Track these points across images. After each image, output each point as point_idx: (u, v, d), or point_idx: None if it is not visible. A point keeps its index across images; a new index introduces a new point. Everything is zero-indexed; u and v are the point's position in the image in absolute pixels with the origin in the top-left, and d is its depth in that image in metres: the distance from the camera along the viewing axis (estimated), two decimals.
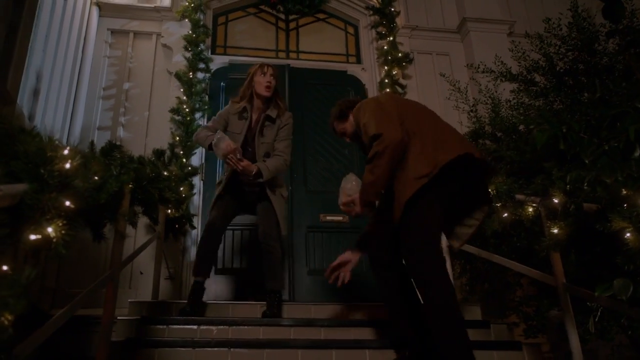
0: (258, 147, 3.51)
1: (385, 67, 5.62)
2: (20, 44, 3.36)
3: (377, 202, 2.65)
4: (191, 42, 5.28)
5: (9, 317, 0.87)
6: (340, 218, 5.14)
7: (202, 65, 5.29)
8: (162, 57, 5.46)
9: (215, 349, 2.71)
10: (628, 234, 1.93)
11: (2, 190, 1.04)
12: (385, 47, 5.71)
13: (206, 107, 5.09)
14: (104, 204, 1.50)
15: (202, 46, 5.36)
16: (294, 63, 5.82)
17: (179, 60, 5.33)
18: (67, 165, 1.26)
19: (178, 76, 5.09)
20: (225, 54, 5.79)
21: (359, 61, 6.02)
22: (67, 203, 1.20)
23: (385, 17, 5.84)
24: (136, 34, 5.54)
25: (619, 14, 2.29)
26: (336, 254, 4.94)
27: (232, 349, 2.71)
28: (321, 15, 6.22)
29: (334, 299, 4.51)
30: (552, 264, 2.58)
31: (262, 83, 3.54)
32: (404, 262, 2.42)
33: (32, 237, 1.11)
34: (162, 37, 5.50)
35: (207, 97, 5.21)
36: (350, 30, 6.24)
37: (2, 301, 0.87)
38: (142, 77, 5.36)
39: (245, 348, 2.74)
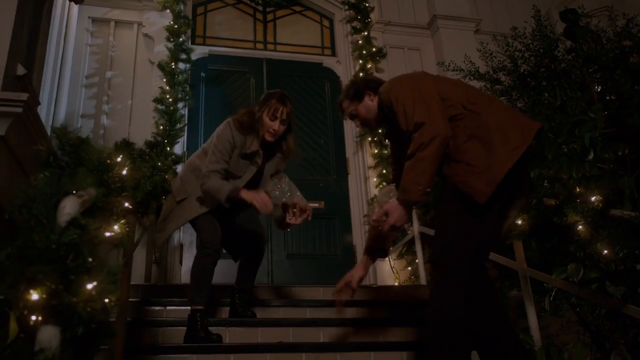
0: (259, 188, 3.03)
1: (360, 61, 5.89)
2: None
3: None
4: (173, 33, 5.41)
5: (112, 299, 1.11)
6: (316, 205, 5.42)
7: (183, 56, 5.43)
8: (143, 47, 5.58)
9: (214, 327, 2.97)
10: (580, 227, 2.30)
11: (86, 195, 1.26)
12: (360, 42, 5.98)
13: (188, 97, 5.25)
14: (139, 201, 1.73)
15: (183, 37, 5.50)
16: (272, 55, 6.03)
17: (161, 50, 5.46)
18: (124, 172, 1.48)
19: (161, 66, 5.23)
20: (204, 44, 5.94)
21: (334, 54, 6.27)
22: (126, 204, 1.43)
23: (360, 12, 6.09)
24: (117, 22, 5.63)
25: (578, 35, 2.63)
26: (313, 239, 5.27)
27: (229, 327, 2.98)
28: (298, 8, 6.42)
29: (314, 281, 4.81)
30: (515, 250, 2.94)
31: (269, 127, 2.87)
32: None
33: (107, 234, 1.33)
34: (144, 26, 5.61)
35: (188, 87, 5.37)
36: (326, 23, 6.47)
37: (105, 288, 1.12)
38: (124, 66, 5.47)
39: (241, 327, 3.01)
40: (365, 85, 2.55)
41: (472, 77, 4.81)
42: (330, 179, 5.63)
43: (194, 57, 5.62)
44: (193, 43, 5.82)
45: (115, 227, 1.38)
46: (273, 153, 3.06)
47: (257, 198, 2.73)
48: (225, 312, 3.23)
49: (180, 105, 5.19)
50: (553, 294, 2.95)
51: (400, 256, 4.97)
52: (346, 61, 6.13)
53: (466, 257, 2.08)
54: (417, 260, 4.70)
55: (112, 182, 1.42)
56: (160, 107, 5.08)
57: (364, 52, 5.89)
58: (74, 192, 1.23)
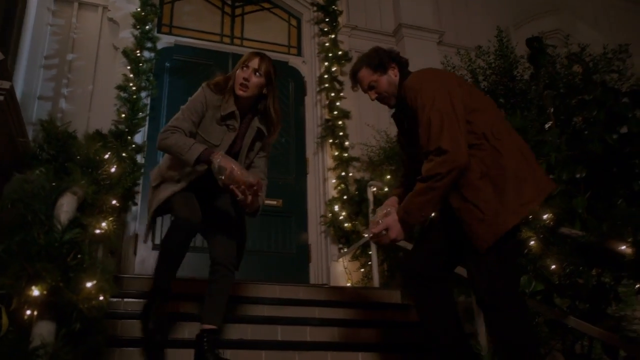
0: (241, 162, 2.65)
1: (326, 63, 5.98)
2: None
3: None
4: (140, 20, 5.33)
5: (107, 297, 1.14)
6: (274, 202, 5.48)
7: (149, 44, 5.36)
8: (108, 31, 5.46)
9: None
10: (532, 242, 2.47)
11: (81, 192, 1.27)
12: (327, 44, 6.06)
13: (152, 87, 5.19)
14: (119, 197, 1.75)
15: (150, 25, 5.42)
16: (238, 50, 6.02)
17: (126, 36, 5.37)
18: (112, 170, 1.51)
19: (126, 53, 5.15)
20: (170, 33, 5.87)
21: (300, 54, 6.33)
22: (114, 202, 1.46)
23: (328, 15, 6.17)
24: (81, 4, 5.48)
25: (541, 62, 2.81)
26: (268, 236, 5.32)
27: (188, 322, 3.00)
28: (266, 5, 6.44)
29: (268, 278, 4.87)
30: None
31: (239, 78, 2.54)
32: (483, 306, 2.13)
33: (97, 231, 1.36)
34: (109, 10, 5.49)
35: (152, 76, 5.30)
36: (294, 22, 6.52)
37: (102, 286, 1.15)
38: (87, 49, 5.34)
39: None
40: (390, 57, 2.37)
41: None
42: (289, 177, 5.69)
43: (159, 46, 5.55)
44: (159, 32, 5.74)
45: (104, 224, 1.41)
46: (261, 137, 2.70)
47: (236, 166, 2.32)
48: (184, 306, 3.25)
49: (143, 94, 5.13)
50: None
51: (354, 258, 5.10)
52: (312, 62, 6.20)
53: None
54: (369, 263, 4.85)
55: (101, 179, 1.45)
56: (123, 94, 5.00)
57: (330, 54, 5.98)
58: (71, 189, 1.25)
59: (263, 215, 5.35)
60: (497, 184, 2.05)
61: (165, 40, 5.69)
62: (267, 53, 6.02)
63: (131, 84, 5.04)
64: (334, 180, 5.50)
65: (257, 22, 6.34)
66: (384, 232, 2.20)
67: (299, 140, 5.87)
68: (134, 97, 4.99)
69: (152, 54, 5.39)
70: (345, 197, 5.28)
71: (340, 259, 5.24)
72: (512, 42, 6.22)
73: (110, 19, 5.48)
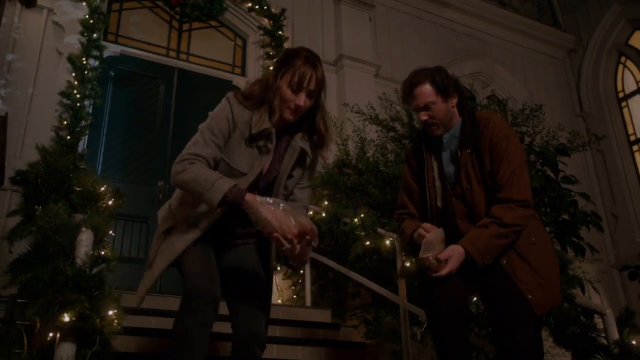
0: (277, 196, 2.02)
1: None
2: None
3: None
4: (87, 28, 5.32)
5: (121, 323, 1.31)
6: None
7: (95, 52, 5.35)
8: (52, 35, 5.39)
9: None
10: None
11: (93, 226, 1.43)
12: (271, 67, 6.30)
13: (97, 96, 5.19)
14: None
15: (97, 33, 5.41)
16: (184, 65, 6.12)
17: (72, 42, 5.33)
18: (110, 203, 1.66)
19: (71, 60, 5.12)
20: (116, 42, 5.87)
21: (244, 74, 6.52)
22: (111, 232, 1.60)
23: (274, 39, 6.43)
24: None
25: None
26: None
27: (134, 336, 3.11)
28: (214, 23, 6.59)
29: None
30: (399, 287, 3.45)
31: (290, 101, 1.92)
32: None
33: (102, 252, 1.51)
34: (55, 14, 5.42)
35: (97, 85, 5.29)
36: (239, 42, 6.71)
37: (119, 313, 1.32)
38: (29, 51, 5.23)
39: (145, 336, 3.16)
40: (454, 85, 2.20)
41: (371, 122, 5.39)
42: None
43: (105, 54, 5.54)
44: (105, 39, 5.73)
45: (102, 252, 1.56)
46: (303, 160, 2.04)
47: (283, 207, 1.75)
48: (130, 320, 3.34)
49: (86, 102, 5.11)
50: (425, 325, 3.49)
51: (287, 276, 5.33)
52: None
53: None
54: (300, 281, 5.11)
55: (101, 212, 1.60)
56: (65, 101, 4.97)
57: None
58: (87, 224, 1.41)
59: None
60: (548, 254, 2.11)
61: (111, 49, 5.69)
62: (212, 70, 6.28)
63: (75, 91, 5.02)
64: None
65: (203, 39, 6.47)
66: (442, 262, 2.01)
67: None
68: (78, 104, 4.97)
69: (97, 62, 5.38)
70: None
71: (273, 277, 5.44)
72: None
73: (56, 23, 5.41)
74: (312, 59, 1.96)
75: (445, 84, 2.16)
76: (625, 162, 8.18)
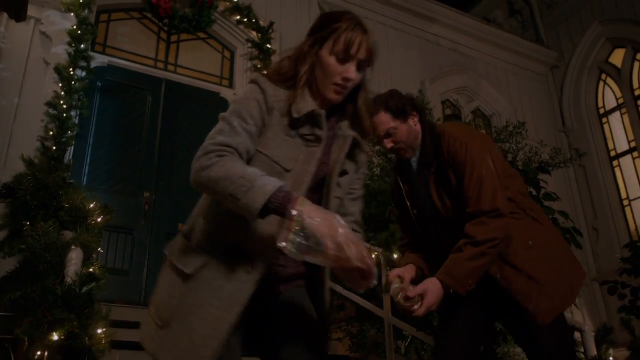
0: (329, 200, 1.50)
1: None
2: None
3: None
4: (75, 38, 5.32)
5: (109, 340, 1.33)
6: None
7: (82, 63, 5.35)
8: (39, 45, 5.39)
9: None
10: None
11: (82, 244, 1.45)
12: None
13: (83, 106, 5.18)
14: None
15: (84, 44, 5.42)
16: (171, 76, 6.14)
17: (59, 52, 5.33)
18: (99, 219, 1.67)
19: (58, 70, 5.11)
20: (104, 53, 5.88)
21: (231, 86, 6.56)
22: (100, 249, 1.62)
23: (262, 53, 6.48)
24: None
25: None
26: None
27: (119, 350, 3.11)
28: (202, 35, 6.62)
29: None
30: (384, 302, 3.49)
31: (336, 74, 1.46)
32: None
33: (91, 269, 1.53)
34: (42, 24, 5.43)
35: (84, 95, 5.28)
36: (227, 55, 6.75)
37: (107, 331, 1.33)
38: (15, 60, 5.23)
39: (130, 349, 3.15)
40: (410, 104, 2.08)
41: None
42: None
43: (92, 64, 5.54)
44: (92, 50, 5.73)
45: (91, 269, 1.58)
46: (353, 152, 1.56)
47: (347, 234, 1.21)
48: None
49: (73, 112, 5.10)
50: (409, 339, 3.53)
51: None
52: None
53: None
54: None
55: (90, 229, 1.62)
56: (52, 111, 4.96)
57: None
58: (76, 243, 1.43)
59: None
60: (548, 257, 1.96)
61: (98, 60, 5.69)
62: (200, 82, 6.30)
63: (62, 102, 5.01)
64: None
65: (191, 51, 6.50)
66: (417, 300, 1.80)
67: None
68: (64, 115, 4.96)
69: (85, 73, 5.38)
70: None
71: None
72: (428, 95, 6.89)
73: (43, 33, 5.41)
74: (359, 22, 1.51)
75: (400, 105, 2.05)
76: (605, 177, 8.33)
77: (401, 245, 2.30)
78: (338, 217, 1.21)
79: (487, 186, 1.89)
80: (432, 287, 1.80)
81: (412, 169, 2.11)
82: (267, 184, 1.26)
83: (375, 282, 1.27)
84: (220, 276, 1.32)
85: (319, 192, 1.48)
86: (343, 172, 1.51)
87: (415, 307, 1.78)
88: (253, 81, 1.48)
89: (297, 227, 1.16)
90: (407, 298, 1.80)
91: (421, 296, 1.79)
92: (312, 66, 1.47)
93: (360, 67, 1.46)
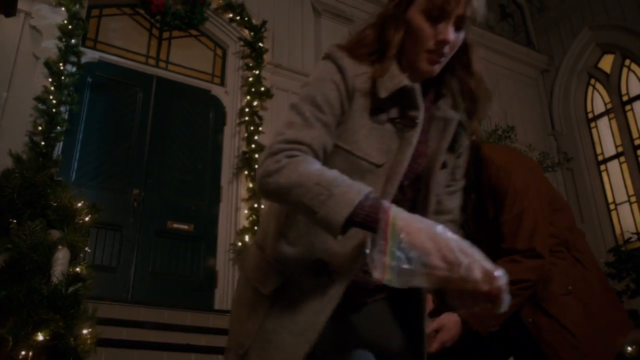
0: (429, 201, 1.24)
1: (248, 97, 6.25)
2: None
3: None
4: (66, 33, 5.28)
5: (94, 340, 1.33)
6: (185, 227, 5.61)
7: (73, 58, 5.32)
8: (28, 39, 5.34)
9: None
10: None
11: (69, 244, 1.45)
12: (250, 79, 6.34)
13: (74, 102, 5.15)
14: None
15: (75, 39, 5.38)
16: (163, 73, 6.12)
17: (49, 46, 5.28)
18: (87, 219, 1.67)
19: (48, 65, 5.07)
20: (94, 48, 5.84)
21: (223, 84, 6.54)
22: (87, 249, 1.62)
23: (254, 51, 6.47)
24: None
25: None
26: (177, 260, 5.42)
27: (106, 347, 3.10)
28: (194, 32, 6.60)
29: (175, 301, 4.97)
30: None
31: (430, 39, 1.16)
32: None
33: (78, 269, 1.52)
34: (32, 18, 5.38)
35: (74, 91, 5.25)
36: (219, 52, 6.73)
37: (93, 332, 1.34)
38: (4, 54, 5.18)
39: (117, 347, 3.15)
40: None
41: None
42: (202, 203, 5.84)
43: (83, 60, 5.51)
44: (83, 45, 5.69)
45: (77, 269, 1.58)
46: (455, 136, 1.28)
47: (464, 247, 0.94)
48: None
49: (62, 108, 5.07)
50: None
51: None
52: (234, 93, 6.44)
53: None
54: None
55: (78, 228, 1.62)
56: (41, 106, 4.92)
57: (253, 89, 6.27)
58: (63, 242, 1.43)
59: (173, 239, 5.51)
60: (586, 304, 1.74)
61: (89, 55, 5.65)
62: (191, 79, 6.28)
63: (51, 97, 4.98)
64: (246, 211, 5.73)
65: (183, 48, 6.48)
66: (433, 333, 1.64)
67: (214, 168, 6.04)
68: (54, 110, 4.93)
69: (75, 68, 5.34)
70: (256, 228, 5.53)
71: None
72: None
73: (33, 27, 5.37)
74: None
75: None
76: (592, 181, 8.41)
77: None
78: (442, 226, 0.95)
79: (526, 222, 1.69)
80: (449, 324, 1.64)
81: None
82: (350, 190, 1.01)
83: (505, 308, 0.94)
84: (299, 297, 1.13)
85: (412, 191, 1.22)
86: (443, 165, 1.23)
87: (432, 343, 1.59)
88: (328, 57, 1.19)
89: (393, 248, 0.92)
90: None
91: (436, 332, 1.62)
92: (402, 32, 1.18)
93: (459, 26, 1.16)
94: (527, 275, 1.64)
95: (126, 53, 6.01)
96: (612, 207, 8.28)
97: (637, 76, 8.29)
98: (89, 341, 1.35)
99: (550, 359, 1.67)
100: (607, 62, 8.74)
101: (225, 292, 5.51)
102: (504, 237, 1.71)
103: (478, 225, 1.82)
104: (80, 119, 5.41)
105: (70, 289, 1.35)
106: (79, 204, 1.69)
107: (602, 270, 2.08)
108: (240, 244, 5.52)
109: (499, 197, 1.75)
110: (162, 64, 6.24)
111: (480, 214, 1.81)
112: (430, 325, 1.58)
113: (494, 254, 1.58)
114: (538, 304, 1.71)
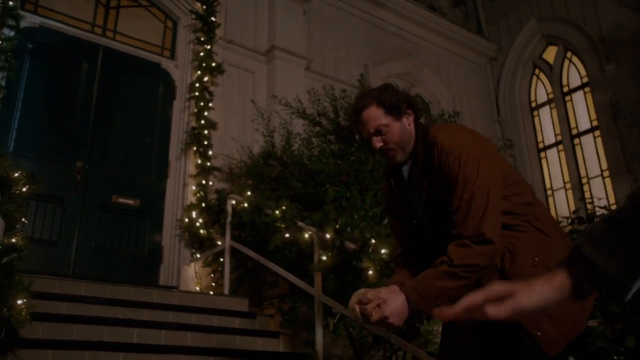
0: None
1: (198, 72, 6.13)
2: None
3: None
4: None
5: (29, 312, 1.31)
6: (131, 202, 5.50)
7: (11, 22, 5.06)
8: None
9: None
10: (370, 272, 2.99)
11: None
12: (201, 53, 6.22)
13: (11, 68, 4.92)
14: None
15: (13, 2, 5.12)
16: (110, 43, 5.92)
17: None
18: (25, 189, 1.62)
19: None
20: (35, 12, 5.57)
21: (173, 57, 6.39)
22: (23, 220, 1.57)
23: (206, 25, 6.34)
24: None
25: None
26: (122, 235, 5.33)
27: (44, 322, 3.04)
28: (144, 2, 6.40)
29: (124, 277, 4.89)
30: (315, 279, 3.57)
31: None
32: None
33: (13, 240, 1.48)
34: None
35: (12, 56, 5.01)
36: (170, 25, 6.56)
37: (28, 302, 1.31)
38: None
39: (55, 322, 3.10)
40: (406, 100, 1.86)
41: (298, 116, 5.47)
42: (149, 178, 5.73)
43: (22, 24, 5.24)
44: (22, 8, 5.42)
45: (13, 239, 1.54)
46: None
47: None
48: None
49: (0, 75, 4.84)
50: (338, 317, 3.64)
51: (206, 264, 5.33)
52: (184, 67, 6.31)
53: None
54: (220, 269, 5.14)
55: (14, 198, 1.57)
56: None
57: (204, 64, 6.16)
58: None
59: (118, 214, 5.40)
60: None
61: (29, 20, 5.39)
62: (140, 51, 6.10)
63: None
64: (194, 187, 5.68)
65: (132, 18, 6.28)
66: (374, 304, 1.65)
67: (162, 143, 5.93)
68: None
69: (13, 33, 5.09)
70: (203, 204, 5.49)
71: (192, 263, 5.44)
72: (371, 79, 6.98)
73: None
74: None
75: (394, 101, 1.81)
76: (533, 168, 8.79)
77: (394, 256, 2.09)
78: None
79: (477, 207, 1.68)
80: (393, 298, 1.65)
81: (403, 178, 1.90)
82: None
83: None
84: None
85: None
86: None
87: (369, 309, 1.62)
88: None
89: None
90: (361, 302, 1.64)
91: (379, 306, 1.63)
92: None
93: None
94: (475, 260, 1.65)
95: (70, 20, 5.77)
96: (549, 192, 8.69)
97: (577, 68, 8.65)
98: (23, 312, 1.33)
99: (529, 330, 1.65)
100: (550, 53, 9.08)
101: (170, 268, 5.47)
102: (455, 222, 1.71)
103: (434, 212, 1.83)
104: (20, 87, 5.17)
105: (4, 259, 1.32)
106: (16, 174, 1.65)
107: None
108: (187, 220, 5.47)
109: (451, 182, 1.74)
110: (109, 34, 6.03)
111: (435, 202, 1.81)
112: (373, 299, 1.64)
113: (450, 240, 1.69)
114: (509, 279, 1.65)
